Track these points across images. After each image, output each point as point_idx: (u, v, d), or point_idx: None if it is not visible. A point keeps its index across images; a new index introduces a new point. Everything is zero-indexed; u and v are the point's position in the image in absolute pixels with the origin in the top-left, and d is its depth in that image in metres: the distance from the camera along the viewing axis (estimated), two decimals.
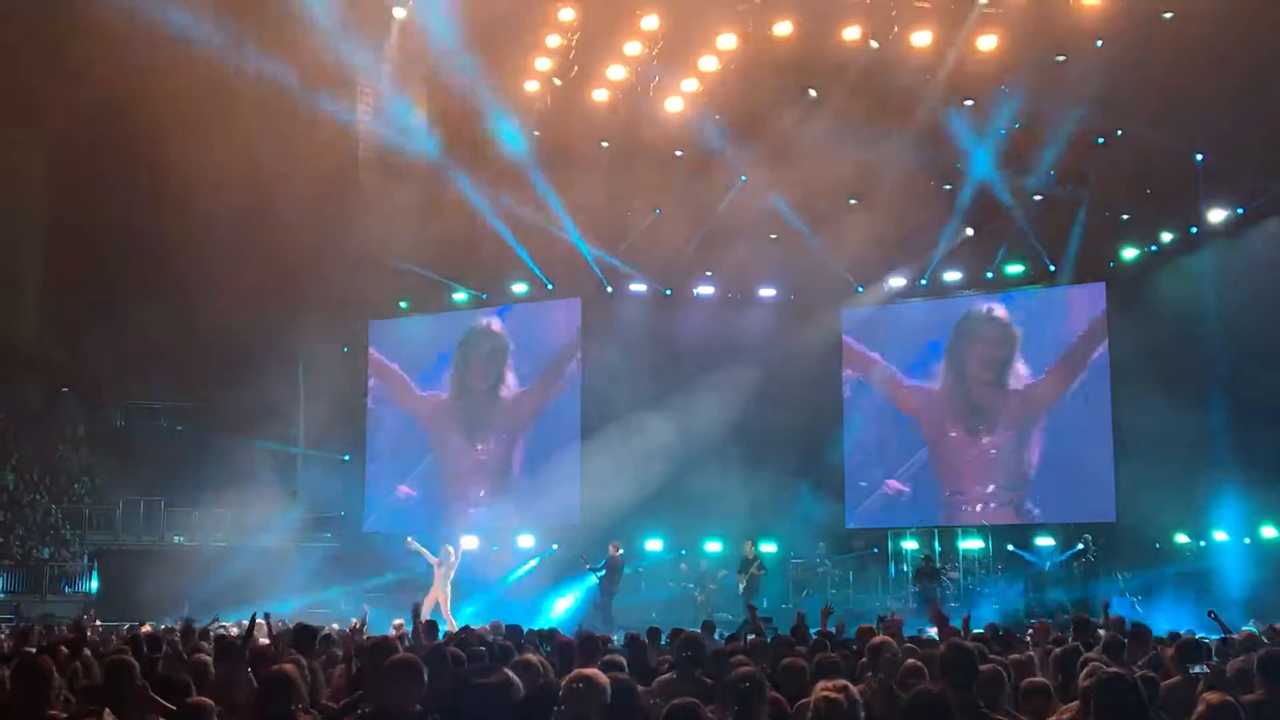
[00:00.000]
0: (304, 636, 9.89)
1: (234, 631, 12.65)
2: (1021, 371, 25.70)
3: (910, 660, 7.78)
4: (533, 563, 26.57)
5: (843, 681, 5.79)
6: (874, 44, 23.05)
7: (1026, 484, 25.29)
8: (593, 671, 5.95)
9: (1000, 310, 26.17)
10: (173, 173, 22.72)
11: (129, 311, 26.54)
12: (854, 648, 9.90)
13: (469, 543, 25.76)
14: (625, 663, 8.61)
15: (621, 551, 23.75)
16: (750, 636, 11.09)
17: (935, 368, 26.59)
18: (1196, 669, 7.65)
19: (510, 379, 28.96)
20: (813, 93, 24.14)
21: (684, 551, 25.98)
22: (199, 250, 24.03)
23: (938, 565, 24.62)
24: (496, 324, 29.29)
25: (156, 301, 26.21)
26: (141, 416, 32.25)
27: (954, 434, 26.17)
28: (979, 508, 25.58)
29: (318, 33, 22.76)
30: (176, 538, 28.82)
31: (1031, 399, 25.53)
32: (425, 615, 13.51)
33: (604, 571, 22.87)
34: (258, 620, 10.04)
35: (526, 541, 27.27)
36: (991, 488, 25.63)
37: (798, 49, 23.28)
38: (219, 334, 27.45)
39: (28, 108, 26.41)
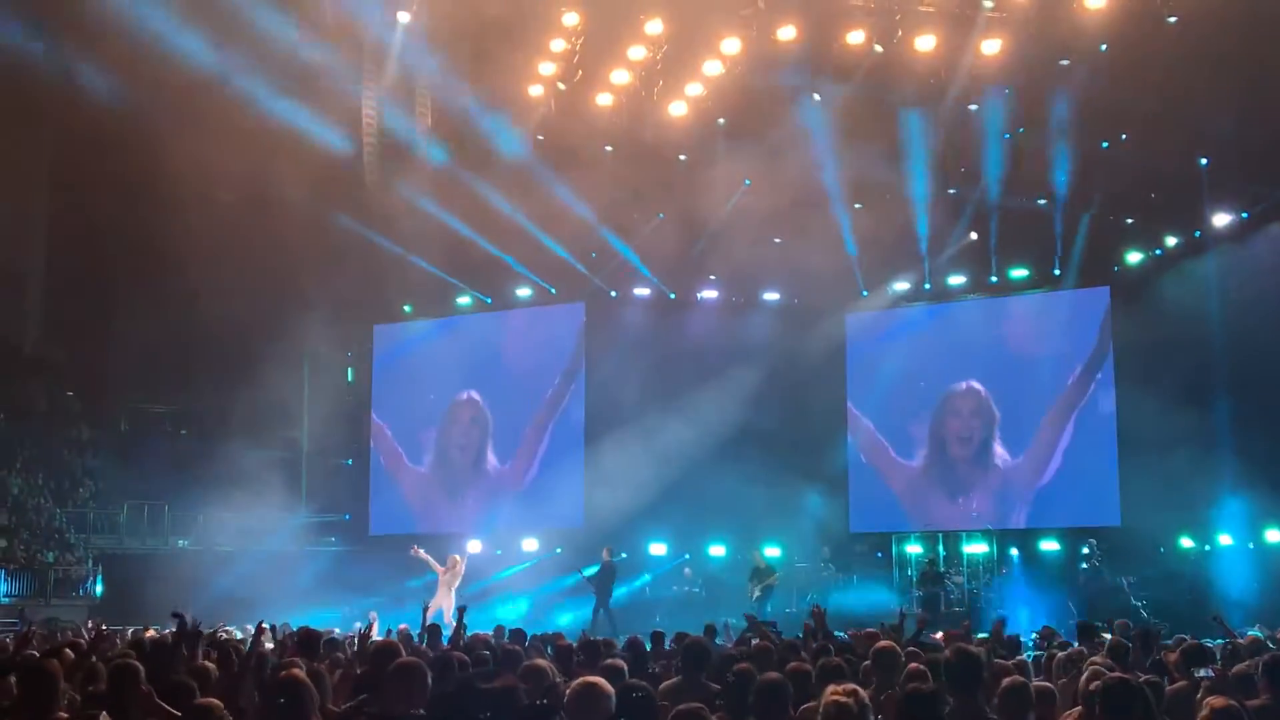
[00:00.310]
0: (309, 641, 9.90)
1: (238, 637, 12.65)
2: (1002, 446, 25.71)
3: (913, 665, 7.77)
4: (524, 566, 26.59)
5: (852, 686, 5.80)
6: (878, 48, 23.04)
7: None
8: (598, 679, 5.95)
9: (978, 385, 26.13)
10: (177, 175, 22.74)
11: (133, 315, 26.59)
12: (858, 652, 9.90)
13: (473, 547, 25.85)
14: (626, 668, 8.61)
15: (623, 556, 23.73)
16: (754, 641, 11.09)
17: (929, 388, 26.65)
18: (1201, 673, 7.65)
19: (490, 455, 28.95)
20: (816, 96, 24.13)
21: (688, 555, 25.98)
22: (203, 254, 24.05)
23: (941, 569, 24.61)
24: (476, 394, 29.25)
25: (160, 305, 26.25)
26: (146, 420, 32.29)
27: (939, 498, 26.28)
28: (978, 514, 25.59)
29: (323, 35, 22.79)
30: (181, 542, 28.84)
31: (1030, 415, 25.56)
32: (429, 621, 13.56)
33: (597, 576, 22.89)
34: (263, 628, 10.04)
35: (530, 545, 27.30)
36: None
37: (801, 53, 23.27)
38: (223, 338, 27.50)
39: (29, 108, 26.42)
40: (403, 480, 29.60)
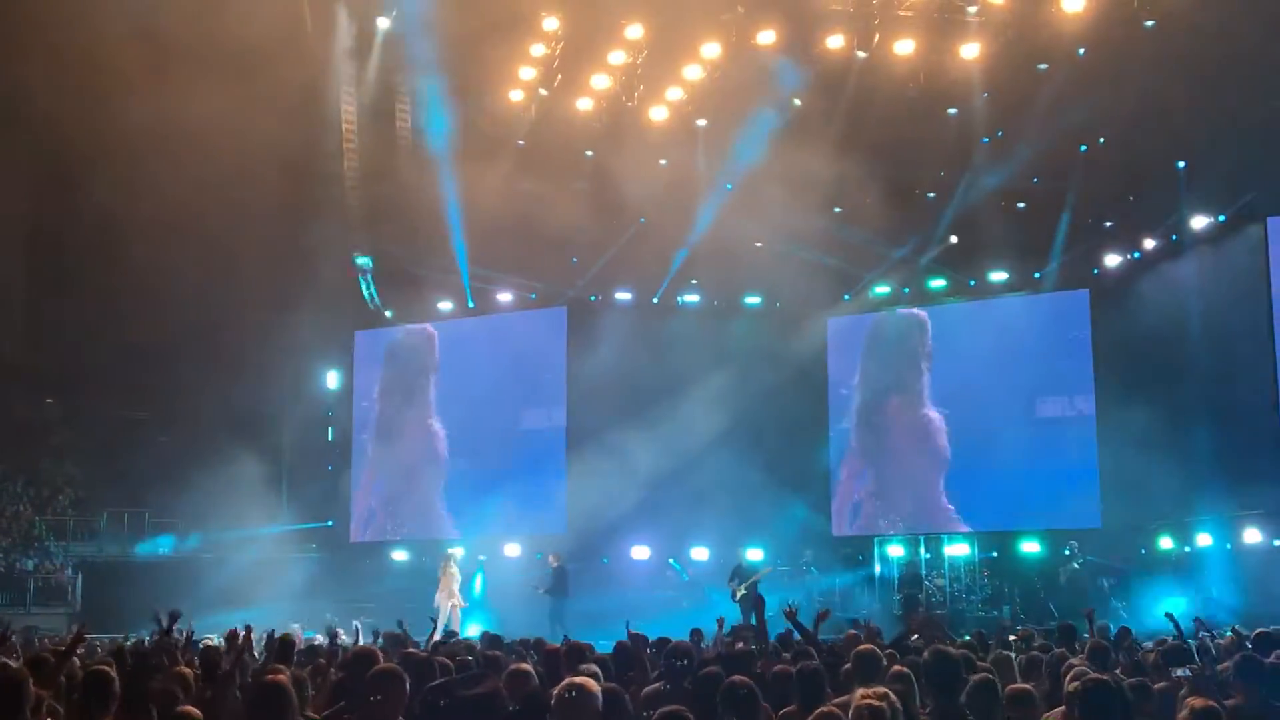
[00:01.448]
0: (285, 648, 9.88)
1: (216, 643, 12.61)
2: (983, 449, 25.80)
3: (896, 667, 7.79)
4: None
5: (883, 689, 5.82)
6: (861, 54, 23.10)
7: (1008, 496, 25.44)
8: (584, 680, 5.96)
9: (961, 388, 26.23)
10: (158, 183, 22.65)
11: (113, 322, 26.46)
12: (843, 654, 9.92)
13: (455, 553, 25.83)
14: (601, 673, 8.59)
15: (605, 560, 23.67)
16: (738, 644, 11.11)
17: (910, 392, 26.77)
18: (1179, 673, 7.69)
19: (472, 461, 28.84)
20: (796, 101, 24.18)
21: (672, 559, 25.97)
22: (185, 261, 23.97)
23: (921, 572, 24.63)
24: (458, 400, 29.22)
25: (141, 311, 26.12)
26: (125, 427, 32.10)
27: (925, 455, 26.37)
28: (960, 517, 25.66)
29: (303, 42, 22.76)
30: (161, 549, 28.70)
31: (1010, 417, 25.68)
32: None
33: (550, 582, 22.91)
34: (240, 632, 10.01)
35: (513, 550, 27.24)
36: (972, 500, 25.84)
37: (782, 56, 23.32)
38: (204, 344, 27.39)
39: (6, 112, 26.25)
40: (384, 486, 29.54)
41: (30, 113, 26.76)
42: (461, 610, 22.98)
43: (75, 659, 9.62)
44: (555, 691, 5.96)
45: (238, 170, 22.55)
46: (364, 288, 28.33)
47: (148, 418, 31.90)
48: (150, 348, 27.61)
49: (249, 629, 9.87)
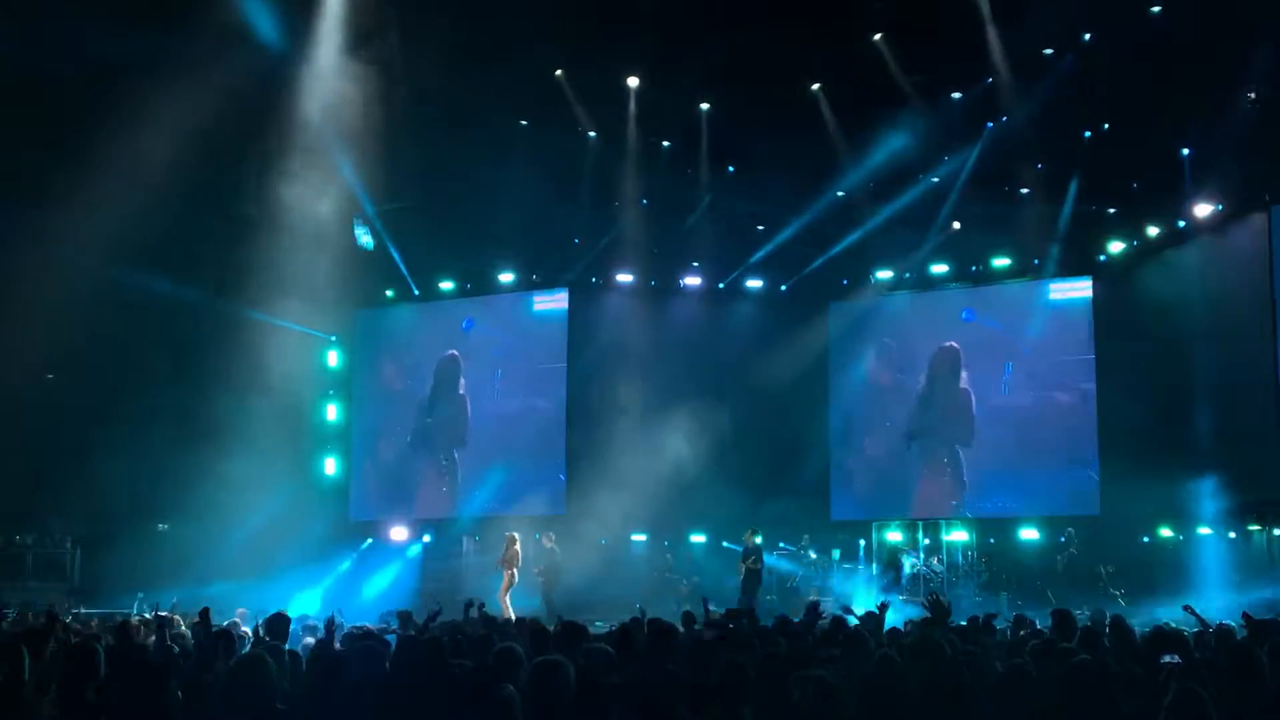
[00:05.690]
0: (278, 625, 9.91)
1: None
2: (983, 434, 25.86)
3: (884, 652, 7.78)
4: None
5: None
6: (877, 36, 22.94)
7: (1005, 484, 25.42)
8: (559, 658, 5.98)
9: (961, 373, 26.26)
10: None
11: None
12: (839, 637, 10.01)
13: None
14: (609, 651, 8.58)
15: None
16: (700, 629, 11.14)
17: (910, 377, 26.77)
18: (1166, 659, 7.67)
19: (472, 442, 28.82)
20: (815, 86, 24.02)
21: (667, 543, 26.00)
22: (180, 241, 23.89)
23: (901, 559, 24.58)
24: (457, 380, 29.18)
25: None
26: None
27: (925, 441, 26.35)
28: (958, 502, 25.67)
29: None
30: (160, 525, 28.62)
31: (1011, 403, 25.65)
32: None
33: (544, 565, 22.88)
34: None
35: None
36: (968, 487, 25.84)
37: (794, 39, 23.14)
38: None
39: None
40: (382, 466, 29.54)
41: None
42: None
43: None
44: (532, 667, 5.97)
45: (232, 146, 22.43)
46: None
47: None
48: None
49: (206, 610, 9.93)
